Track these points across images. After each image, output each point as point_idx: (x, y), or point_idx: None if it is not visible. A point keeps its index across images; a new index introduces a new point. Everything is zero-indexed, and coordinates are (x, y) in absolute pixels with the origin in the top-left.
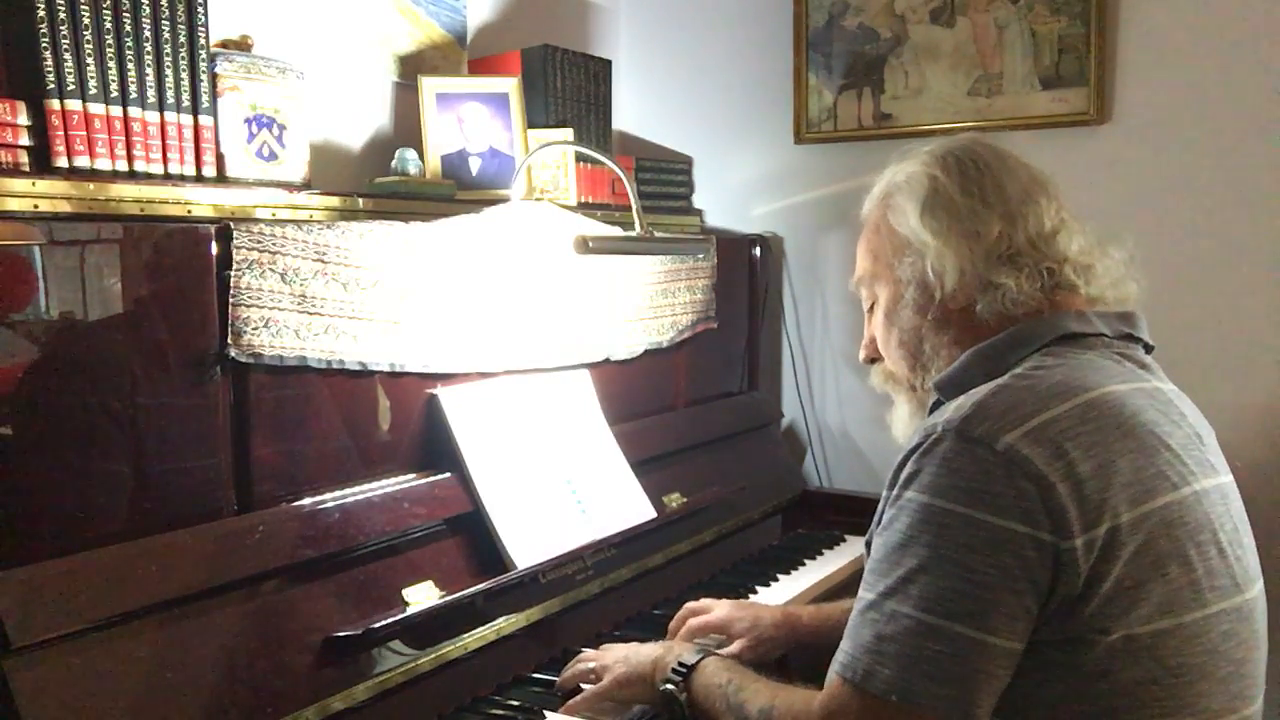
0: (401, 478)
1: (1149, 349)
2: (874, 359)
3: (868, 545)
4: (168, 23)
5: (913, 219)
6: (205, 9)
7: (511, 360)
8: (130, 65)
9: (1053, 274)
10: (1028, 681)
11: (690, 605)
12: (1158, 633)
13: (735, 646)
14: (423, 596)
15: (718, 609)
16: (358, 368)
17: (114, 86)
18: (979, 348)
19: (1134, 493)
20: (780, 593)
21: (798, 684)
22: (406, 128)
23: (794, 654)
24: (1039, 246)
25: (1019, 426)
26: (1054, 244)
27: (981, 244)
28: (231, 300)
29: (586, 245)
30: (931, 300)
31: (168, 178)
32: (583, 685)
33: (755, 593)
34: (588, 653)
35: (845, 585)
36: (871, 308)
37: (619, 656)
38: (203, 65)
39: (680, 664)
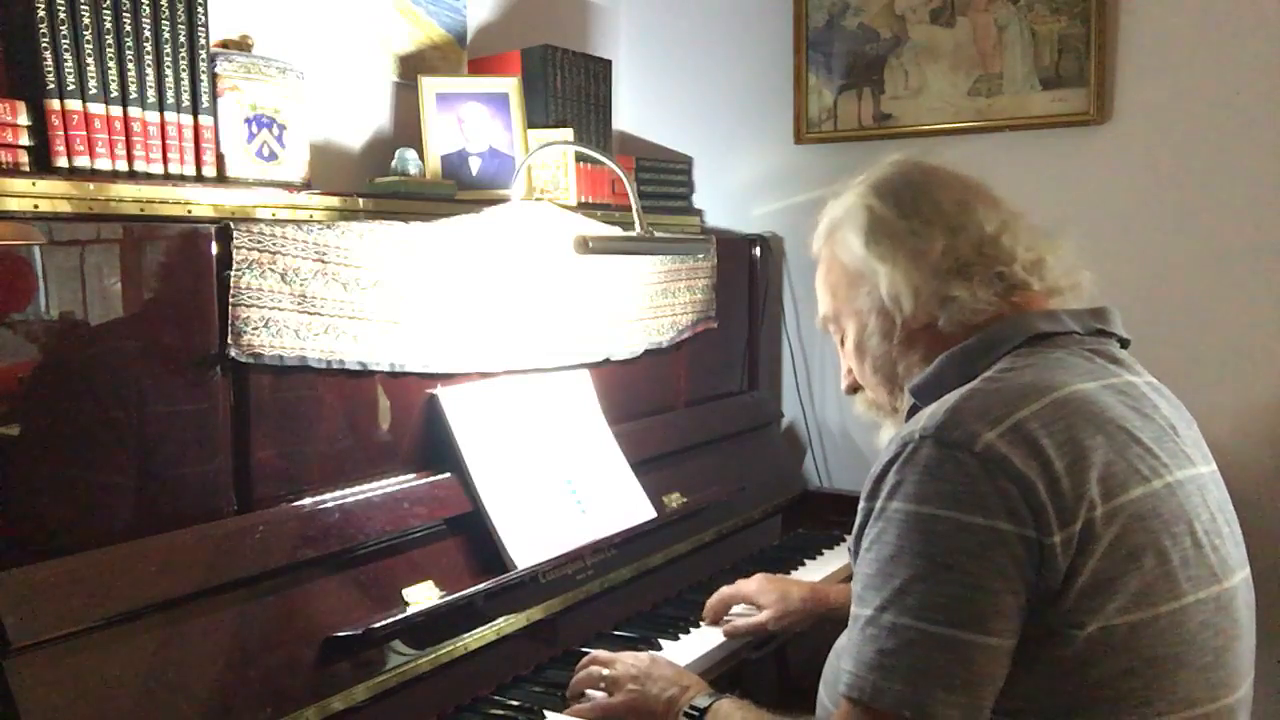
0: (401, 478)
1: (1125, 343)
2: (856, 388)
3: (852, 555)
4: (168, 23)
5: (858, 249)
6: (205, 9)
7: (511, 360)
8: (130, 65)
9: (1004, 277)
10: (1008, 676)
11: (724, 588)
12: (1133, 624)
13: (762, 617)
14: (423, 596)
15: (750, 582)
16: (358, 368)
17: (114, 86)
18: (951, 351)
19: (1106, 487)
20: None
21: (804, 718)
22: (406, 128)
23: (821, 629)
24: (985, 251)
25: (994, 428)
26: (999, 246)
27: (928, 260)
28: (231, 300)
29: (586, 245)
30: (894, 324)
31: (168, 178)
32: (589, 692)
33: None
34: (601, 655)
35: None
36: (842, 341)
37: (631, 673)
38: (203, 65)
39: (693, 707)
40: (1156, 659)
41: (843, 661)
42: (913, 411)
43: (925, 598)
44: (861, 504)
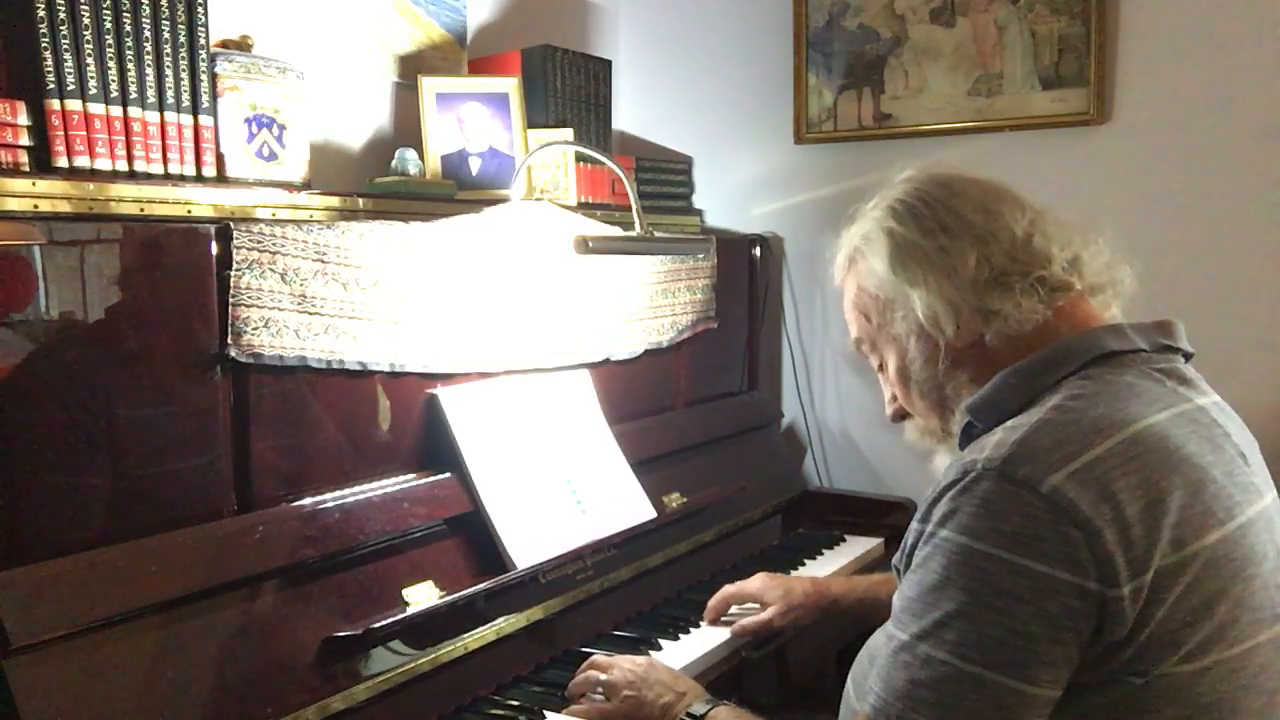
0: (401, 478)
1: (1188, 356)
2: (903, 414)
3: (897, 571)
4: (168, 23)
5: (885, 276)
6: (205, 9)
7: (511, 360)
8: (130, 65)
9: (1044, 281)
10: (1056, 718)
11: (726, 587)
12: (1196, 672)
13: (768, 614)
14: (423, 596)
15: (752, 581)
16: (358, 368)
17: (114, 86)
18: (1015, 367)
19: (1181, 533)
20: None
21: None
22: (406, 128)
23: (823, 623)
24: (1020, 257)
25: (1063, 467)
26: (1032, 249)
27: (963, 276)
28: (231, 300)
29: (586, 245)
30: (938, 347)
31: (168, 178)
32: (592, 695)
33: None
34: (600, 660)
35: None
36: (881, 366)
37: (627, 679)
38: (203, 65)
39: (689, 715)
40: (1212, 705)
41: (870, 680)
42: (967, 431)
43: (966, 635)
44: (913, 524)
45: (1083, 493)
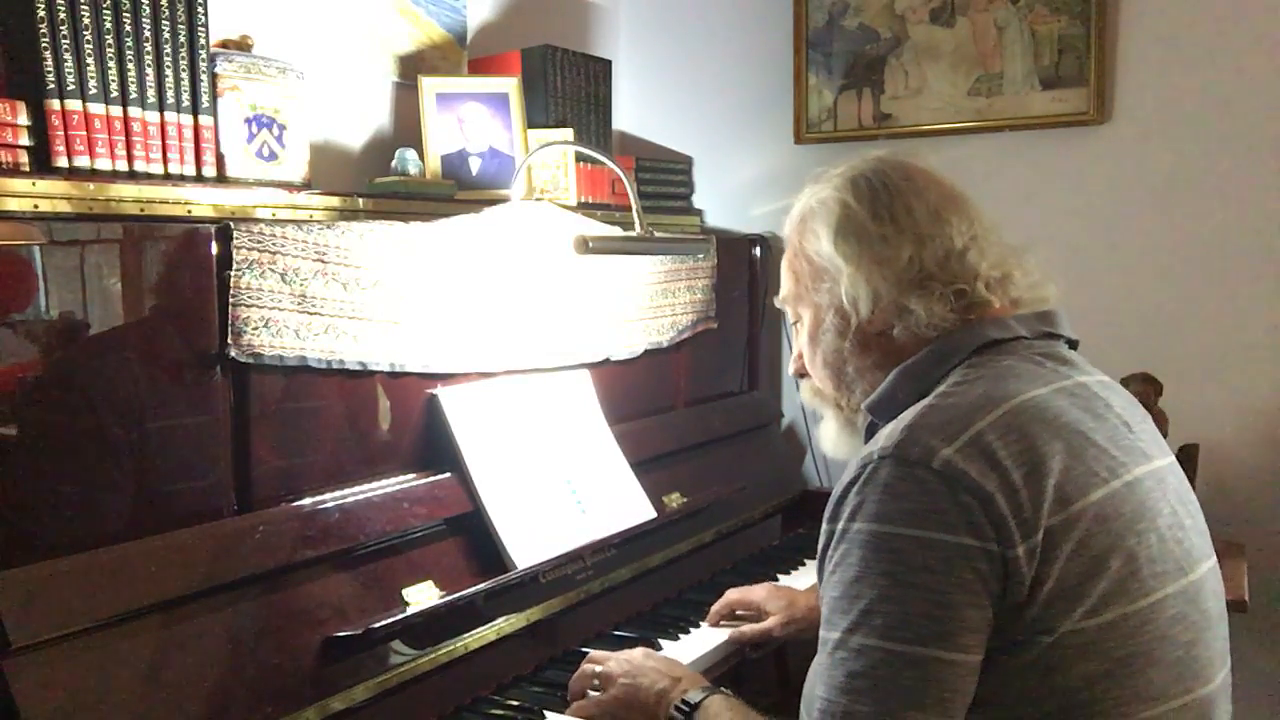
0: (401, 478)
1: (1074, 344)
2: (803, 374)
3: (819, 576)
4: (168, 23)
5: (826, 245)
6: (205, 9)
7: (511, 360)
8: (130, 65)
9: (963, 295)
10: (978, 686)
11: (732, 591)
12: (1102, 626)
13: (768, 624)
14: (423, 596)
15: (758, 589)
16: (358, 368)
17: (114, 86)
18: (905, 366)
19: (1065, 493)
20: None
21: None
22: (406, 128)
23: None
24: (949, 267)
25: (951, 443)
26: (964, 262)
27: (893, 269)
28: (231, 300)
29: (586, 245)
30: (849, 325)
31: (168, 178)
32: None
33: None
34: (596, 654)
35: None
36: (797, 323)
37: (624, 670)
38: (203, 65)
39: (684, 702)
40: (1127, 658)
41: (816, 687)
42: (870, 429)
43: (891, 617)
44: (824, 526)
45: (970, 463)
